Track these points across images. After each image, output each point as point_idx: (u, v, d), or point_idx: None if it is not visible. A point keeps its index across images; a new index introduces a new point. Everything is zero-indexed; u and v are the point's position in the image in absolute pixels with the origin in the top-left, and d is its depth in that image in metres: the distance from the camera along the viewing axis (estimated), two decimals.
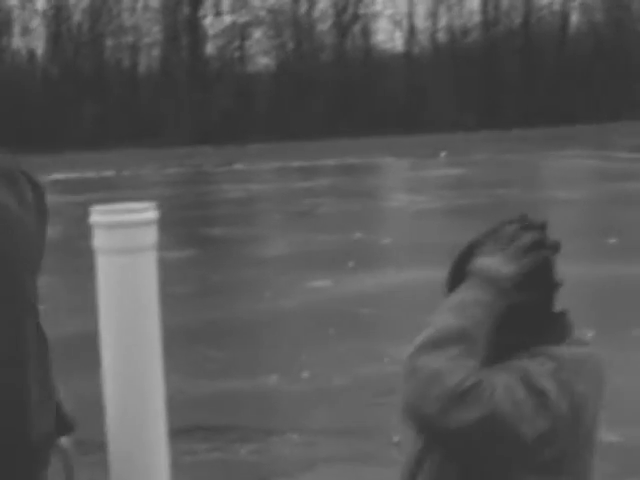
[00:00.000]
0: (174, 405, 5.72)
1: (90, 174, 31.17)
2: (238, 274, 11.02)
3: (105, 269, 3.08)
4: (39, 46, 51.49)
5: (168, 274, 10.95)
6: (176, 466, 4.64)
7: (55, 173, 31.64)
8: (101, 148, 41.42)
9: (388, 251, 12.07)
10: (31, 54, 50.99)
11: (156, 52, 52.92)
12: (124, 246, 3.04)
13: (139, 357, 3.08)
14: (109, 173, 31.62)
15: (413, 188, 21.60)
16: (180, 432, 5.37)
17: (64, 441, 2.76)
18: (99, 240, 3.11)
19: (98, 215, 3.17)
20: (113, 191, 23.66)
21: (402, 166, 30.08)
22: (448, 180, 22.97)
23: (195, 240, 15.07)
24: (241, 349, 7.23)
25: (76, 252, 12.45)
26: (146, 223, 3.12)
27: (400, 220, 16.22)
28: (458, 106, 47.59)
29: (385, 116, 47.07)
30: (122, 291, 3.07)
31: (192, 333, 7.89)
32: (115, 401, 3.07)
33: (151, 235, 3.14)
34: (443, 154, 32.34)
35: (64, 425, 2.74)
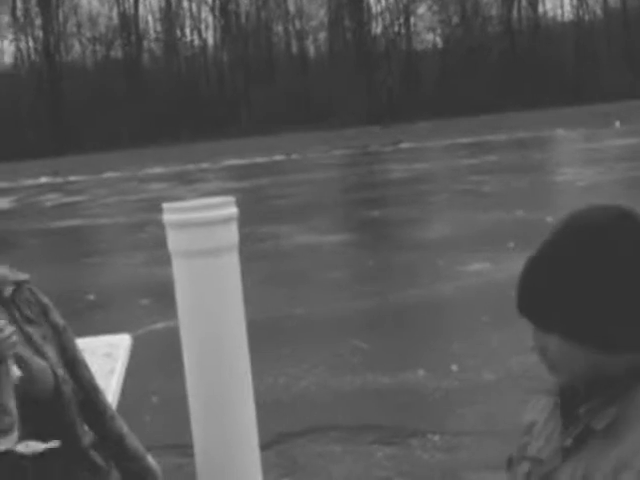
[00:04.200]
0: (314, 402, 5.78)
1: (260, 159, 31.65)
2: (395, 258, 10.66)
3: (183, 274, 2.72)
4: (209, 36, 53.24)
5: (323, 260, 11.13)
6: (306, 470, 4.66)
7: (226, 160, 32.53)
8: (271, 133, 42.33)
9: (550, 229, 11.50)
10: (202, 45, 52.73)
11: (322, 35, 53.58)
12: (202, 247, 2.67)
13: (226, 370, 2.78)
14: (279, 157, 31.94)
15: (584, 161, 20.66)
16: (314, 431, 5.24)
17: (151, 460, 2.54)
18: (174, 241, 2.73)
19: (171, 213, 2.72)
20: (282, 175, 23.85)
21: (573, 138, 28.99)
22: (622, 151, 21.75)
23: (354, 223, 14.80)
24: (390, 340, 6.92)
25: (257, 237, 12.71)
26: (225, 220, 2.73)
27: (568, 195, 15.28)
28: (632, 72, 45.58)
29: (555, 87, 45.66)
30: (203, 299, 2.71)
31: (342, 323, 7.71)
32: (202, 415, 2.84)
33: (232, 233, 2.77)
34: (617, 123, 31.09)
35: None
